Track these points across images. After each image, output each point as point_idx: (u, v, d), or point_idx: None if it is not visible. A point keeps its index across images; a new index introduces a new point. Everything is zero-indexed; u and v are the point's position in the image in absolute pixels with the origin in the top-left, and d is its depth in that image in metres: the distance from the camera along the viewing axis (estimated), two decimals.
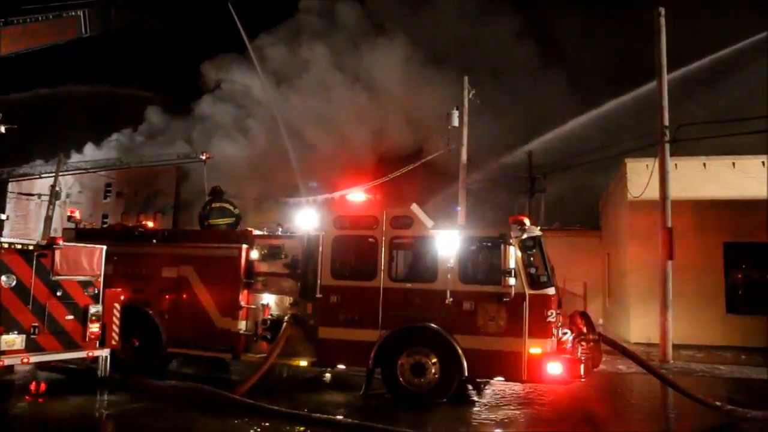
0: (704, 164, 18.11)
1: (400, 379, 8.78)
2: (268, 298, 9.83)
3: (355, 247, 9.50)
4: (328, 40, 44.37)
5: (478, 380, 9.49)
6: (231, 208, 11.83)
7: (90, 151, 50.28)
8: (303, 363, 9.50)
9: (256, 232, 10.35)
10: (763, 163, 17.96)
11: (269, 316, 9.65)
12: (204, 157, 33.55)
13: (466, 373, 8.56)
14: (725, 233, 17.45)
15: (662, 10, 15.05)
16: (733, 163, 18.07)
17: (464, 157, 20.72)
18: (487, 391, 9.83)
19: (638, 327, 17.11)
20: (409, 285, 9.07)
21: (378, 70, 42.46)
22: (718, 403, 8.73)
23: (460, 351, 8.47)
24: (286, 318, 9.40)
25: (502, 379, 8.98)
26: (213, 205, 11.74)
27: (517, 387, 9.88)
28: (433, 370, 8.66)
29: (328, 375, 10.82)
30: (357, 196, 9.89)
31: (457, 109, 21.23)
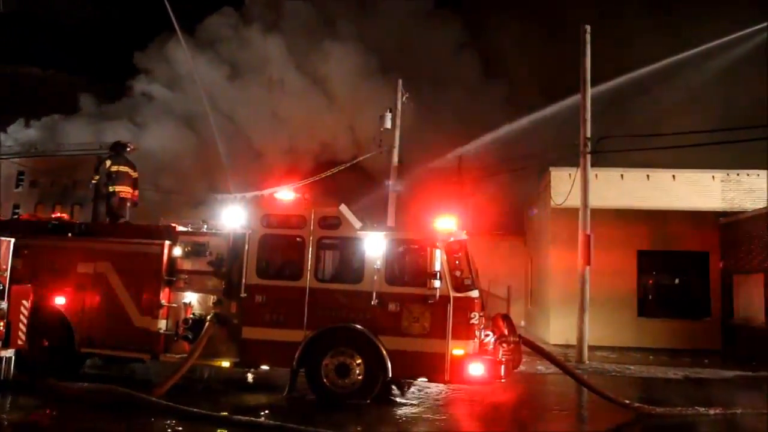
0: (622, 175, 19.08)
1: (325, 379, 8.74)
2: (191, 297, 9.55)
3: (283, 247, 9.40)
4: (267, 36, 43.54)
5: (402, 381, 9.59)
6: (132, 172, 11.48)
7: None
8: (225, 364, 9.29)
9: (180, 228, 10.02)
10: (673, 176, 19.13)
11: (191, 315, 9.38)
12: (129, 148, 32.17)
13: (391, 374, 8.62)
14: (639, 241, 18.45)
15: (588, 28, 15.72)
16: (648, 176, 19.13)
17: (395, 159, 20.87)
18: (411, 392, 9.95)
19: (557, 329, 17.79)
20: (335, 286, 9.04)
21: (315, 70, 42.09)
22: (627, 401, 9.25)
23: (384, 352, 8.52)
24: (208, 317, 9.15)
25: (426, 379, 9.11)
26: (116, 167, 11.23)
27: (440, 387, 10.05)
28: (357, 371, 8.68)
29: (251, 376, 10.64)
30: (286, 194, 9.77)
31: (390, 112, 21.35)
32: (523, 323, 24.31)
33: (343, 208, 9.27)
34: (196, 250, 9.61)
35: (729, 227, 18.15)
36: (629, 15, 39.70)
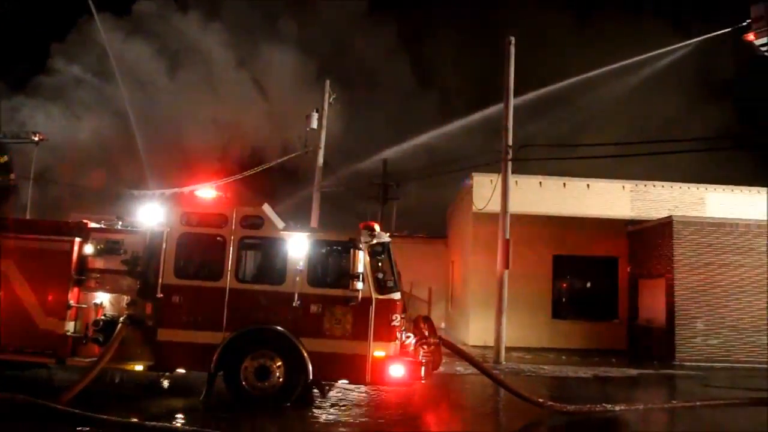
0: (540, 183, 19.84)
1: (244, 383, 8.56)
2: (103, 297, 9.11)
3: (202, 246, 9.11)
4: (196, 27, 42.11)
5: (324, 383, 9.55)
6: None
7: None
8: (138, 367, 8.92)
9: (93, 225, 9.55)
10: (587, 185, 20.07)
11: (102, 317, 8.95)
12: (36, 138, 30.20)
13: (311, 376, 8.56)
14: (555, 246, 19.23)
15: (512, 39, 16.23)
16: (564, 184, 19.98)
17: (321, 160, 20.78)
18: (332, 394, 9.92)
19: (476, 331, 18.24)
20: (256, 286, 8.89)
21: (245, 66, 41.21)
22: (540, 400, 9.61)
23: (305, 354, 8.45)
24: (121, 319, 8.77)
25: (347, 381, 9.10)
26: None
27: (361, 389, 10.08)
28: (277, 374, 8.56)
29: (166, 380, 10.26)
30: (207, 192, 9.52)
31: (317, 112, 21.24)
32: (443, 325, 24.79)
33: (266, 207, 9.13)
34: (109, 248, 9.19)
35: (635, 235, 19.25)
36: (555, 28, 41.48)
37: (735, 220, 17.33)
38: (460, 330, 20.77)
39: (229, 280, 8.78)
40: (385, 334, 8.56)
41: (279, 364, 8.57)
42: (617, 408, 9.82)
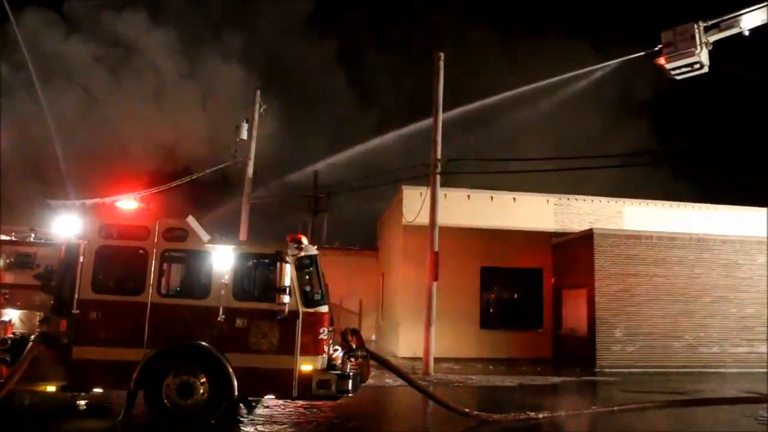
0: (468, 196, 20.29)
1: (166, 400, 8.26)
2: (12, 314, 8.59)
3: (122, 259, 8.76)
4: (125, 28, 40.50)
5: (250, 399, 9.35)
6: None
7: None
8: (51, 388, 8.43)
9: (2, 237, 9.02)
10: (514, 199, 20.70)
11: (11, 335, 8.42)
12: None
13: (237, 393, 8.35)
14: (482, 258, 19.68)
15: (442, 55, 16.58)
16: (492, 197, 20.53)
17: (250, 171, 20.46)
18: (259, 410, 9.73)
19: (406, 342, 18.37)
20: (180, 301, 8.62)
21: (176, 73, 40.06)
22: (467, 410, 9.78)
23: (230, 370, 8.25)
24: (32, 337, 8.28)
25: (274, 396, 8.95)
26: None
27: (288, 404, 9.93)
28: (201, 390, 8.31)
29: (83, 401, 9.74)
30: (128, 203, 9.17)
31: (247, 122, 20.95)
32: (374, 337, 24.85)
33: (191, 219, 8.90)
34: (20, 262, 8.70)
35: (559, 247, 19.98)
36: (484, 48, 42.79)
37: (650, 232, 18.29)
38: (390, 342, 20.85)
39: (150, 295, 8.47)
40: (313, 347, 8.47)
41: (203, 380, 8.32)
42: (540, 416, 10.11)
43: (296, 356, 8.37)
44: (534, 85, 16.43)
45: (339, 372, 8.71)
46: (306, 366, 8.40)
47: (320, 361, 8.55)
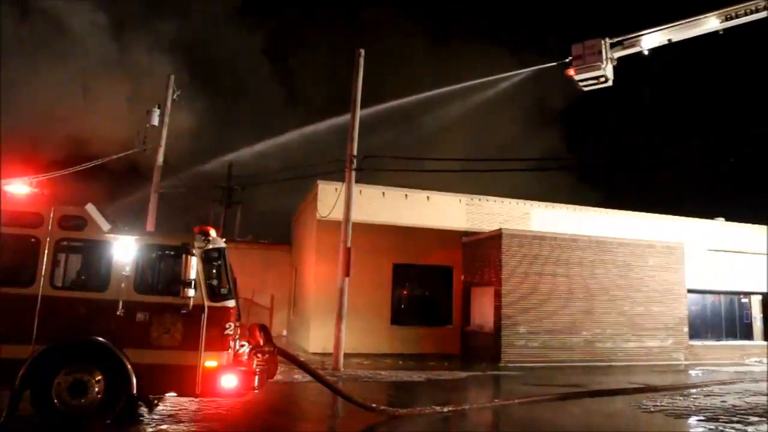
0: (383, 193, 20.45)
1: (56, 400, 7.75)
2: None
3: (11, 248, 8.12)
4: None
5: (151, 397, 8.96)
6: None
7: None
8: None
9: None
10: (427, 197, 21.06)
11: None
12: None
13: (136, 391, 7.97)
14: (395, 255, 19.91)
15: (362, 51, 16.57)
16: (406, 195, 20.79)
17: (161, 159, 19.62)
18: (162, 408, 9.35)
19: (317, 338, 18.29)
20: (75, 294, 8.13)
21: (87, 52, 37.75)
22: (374, 405, 9.85)
23: (129, 366, 7.85)
24: None
25: (175, 394, 8.60)
26: None
27: (193, 402, 9.62)
28: (96, 389, 7.86)
29: None
30: (18, 188, 8.55)
31: (159, 108, 20.06)
32: (285, 332, 24.59)
33: (90, 207, 8.39)
34: None
35: (469, 245, 20.54)
36: (410, 50, 43.24)
37: (554, 233, 19.17)
38: (301, 337, 20.68)
39: (42, 287, 7.91)
40: (218, 343, 8.21)
41: (99, 378, 7.88)
42: (446, 409, 10.35)
43: (201, 352, 8.09)
44: (451, 88, 16.76)
45: (245, 368, 8.52)
46: (210, 362, 8.13)
47: (225, 357, 8.30)
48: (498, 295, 18.06)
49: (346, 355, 15.67)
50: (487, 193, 22.24)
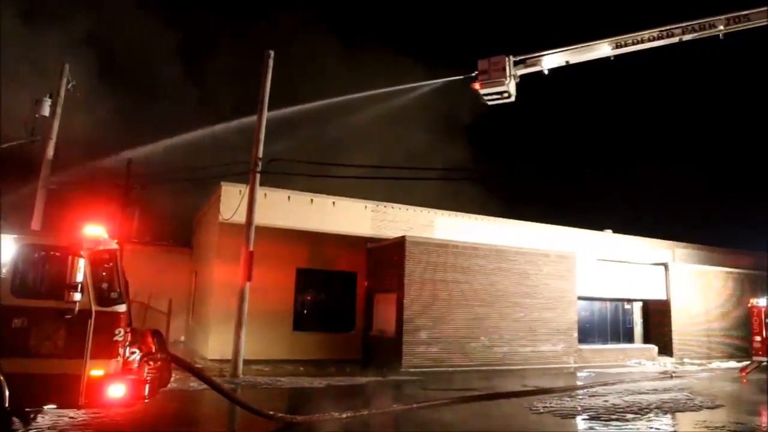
0: (289, 197, 20.23)
1: None
2: None
3: None
4: None
5: (28, 410, 8.30)
6: None
7: None
8: None
9: None
10: (333, 203, 21.05)
11: None
12: None
13: (8, 404, 7.34)
14: (299, 260, 19.71)
15: (272, 53, 16.36)
16: (312, 200, 20.67)
17: (51, 152, 18.37)
18: (42, 420, 8.71)
19: (216, 344, 17.71)
20: None
21: None
22: (271, 413, 9.73)
23: (1, 377, 7.24)
24: None
25: (55, 406, 8.01)
26: None
27: (78, 413, 9.04)
28: None
29: None
30: None
31: (50, 97, 18.78)
32: (183, 338, 23.69)
33: None
34: None
35: (373, 252, 20.71)
36: (322, 56, 43.05)
37: (456, 242, 19.70)
38: (200, 344, 19.99)
39: None
40: (106, 350, 7.72)
41: None
42: (344, 415, 10.36)
43: (86, 360, 7.58)
44: (360, 94, 16.85)
45: (134, 377, 8.08)
46: (96, 371, 7.63)
47: (114, 365, 7.82)
48: (400, 301, 18.29)
49: (247, 362, 15.32)
50: (392, 200, 22.53)
